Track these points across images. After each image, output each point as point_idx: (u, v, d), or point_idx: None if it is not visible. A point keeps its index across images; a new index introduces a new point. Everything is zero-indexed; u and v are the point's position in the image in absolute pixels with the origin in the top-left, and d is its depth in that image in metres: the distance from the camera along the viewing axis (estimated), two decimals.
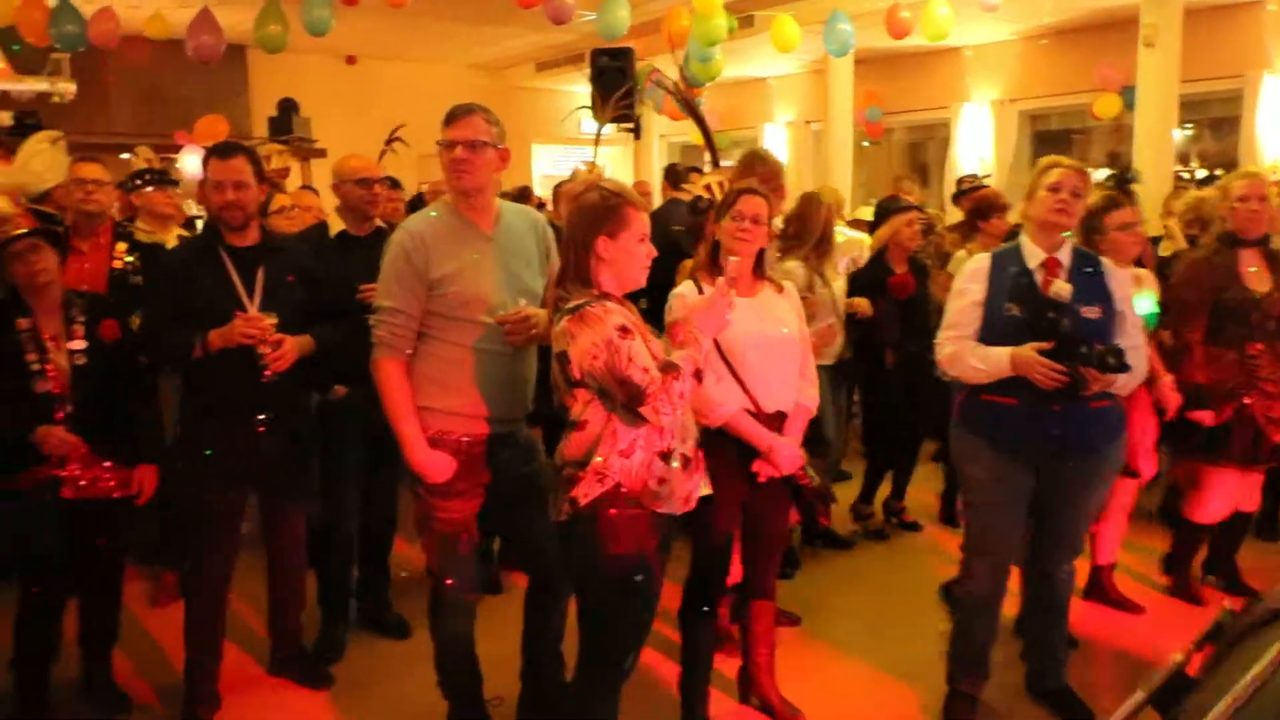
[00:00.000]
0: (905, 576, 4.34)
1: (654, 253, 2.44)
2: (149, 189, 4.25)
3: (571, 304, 2.32)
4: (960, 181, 5.70)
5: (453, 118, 2.70)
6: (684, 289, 2.92)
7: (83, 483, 2.97)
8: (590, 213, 2.37)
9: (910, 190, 5.93)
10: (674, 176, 7.75)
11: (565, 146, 12.11)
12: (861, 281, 4.55)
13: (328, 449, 3.41)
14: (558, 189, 5.97)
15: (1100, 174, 9.67)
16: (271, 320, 2.93)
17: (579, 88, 10.46)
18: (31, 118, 7.56)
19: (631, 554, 2.34)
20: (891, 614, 3.96)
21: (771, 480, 2.87)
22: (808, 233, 4.06)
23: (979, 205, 4.78)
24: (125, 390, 3.09)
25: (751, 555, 3.05)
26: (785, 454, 2.84)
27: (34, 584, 3.03)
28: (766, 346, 2.87)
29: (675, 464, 2.37)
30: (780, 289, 2.99)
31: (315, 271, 3.20)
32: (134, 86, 9.72)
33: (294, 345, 2.99)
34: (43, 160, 4.66)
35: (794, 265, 3.97)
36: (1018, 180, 8.95)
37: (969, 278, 2.96)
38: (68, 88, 8.40)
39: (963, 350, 2.90)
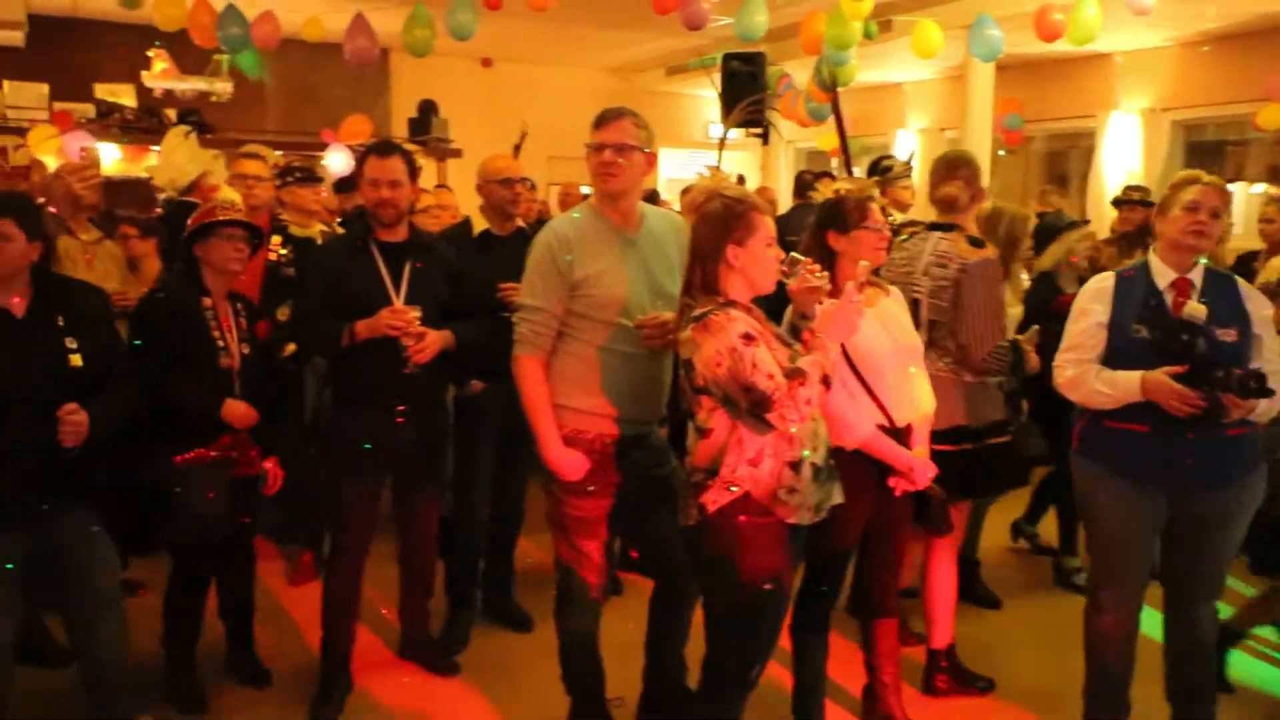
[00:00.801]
0: (1038, 604, 4.17)
1: (782, 256, 2.42)
2: (297, 185, 4.44)
3: (696, 312, 2.32)
4: (1128, 191, 5.39)
5: (602, 121, 2.73)
6: None
7: (243, 465, 3.12)
8: (716, 221, 2.36)
9: (1058, 204, 5.66)
10: (803, 184, 7.66)
11: (693, 151, 12.13)
12: (1031, 303, 4.28)
13: (462, 442, 3.50)
14: (685, 193, 5.97)
15: (1257, 189, 9.11)
16: (416, 313, 3.01)
17: (708, 92, 10.44)
18: (193, 115, 8.04)
19: (760, 563, 2.31)
20: (1022, 640, 3.80)
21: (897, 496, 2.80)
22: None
23: (1150, 221, 4.52)
24: (270, 381, 3.24)
25: (875, 570, 2.97)
26: (925, 471, 2.77)
27: (186, 560, 3.19)
28: (898, 356, 2.80)
29: (806, 473, 2.33)
30: (888, 291, 2.92)
31: (458, 269, 3.28)
32: (285, 87, 10.18)
33: (436, 339, 3.07)
34: (182, 153, 4.94)
35: None
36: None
37: (1092, 297, 2.82)
38: (225, 88, 8.88)
39: (1086, 374, 2.75)
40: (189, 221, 3.13)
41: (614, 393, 2.72)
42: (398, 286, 3.09)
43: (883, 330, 2.78)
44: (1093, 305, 2.81)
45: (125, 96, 8.36)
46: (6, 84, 8.10)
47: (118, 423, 2.68)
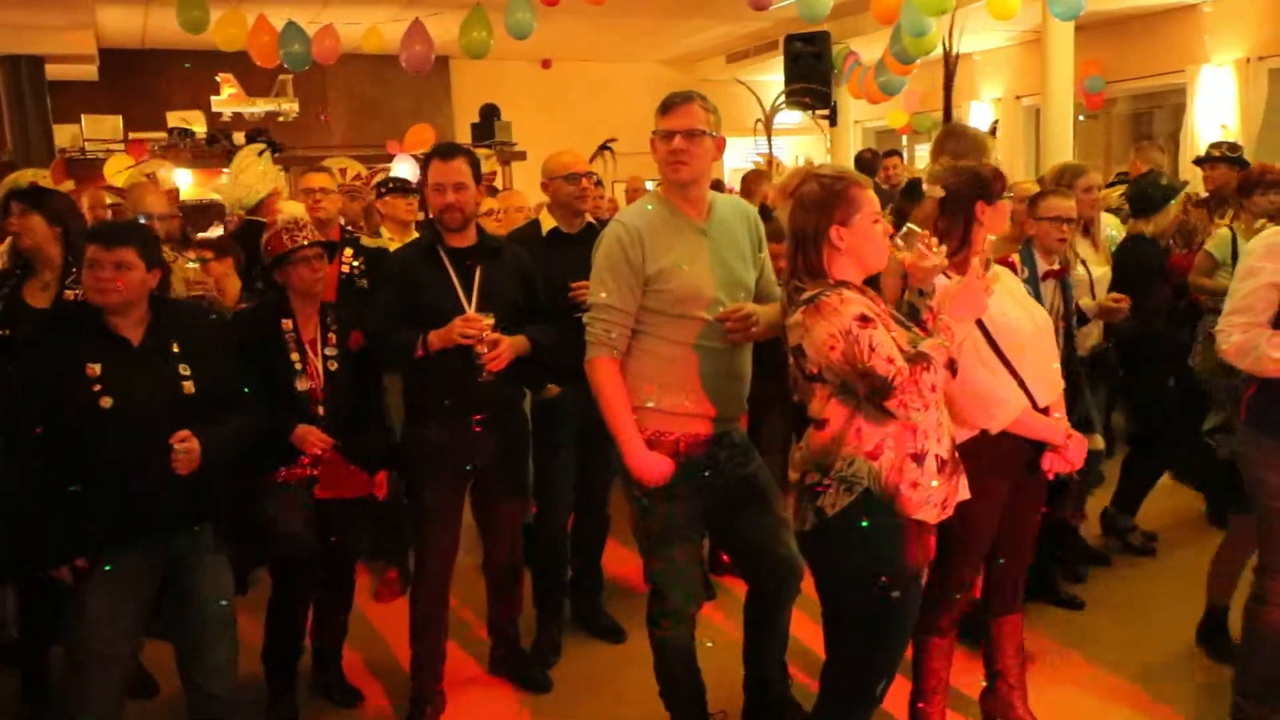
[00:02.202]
0: (1166, 595, 3.89)
1: (890, 230, 2.25)
2: (392, 196, 4.44)
3: (807, 294, 2.16)
4: (1214, 148, 5.07)
5: (669, 106, 2.60)
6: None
7: (331, 482, 3.08)
8: (815, 204, 2.21)
9: (1158, 160, 5.34)
10: (865, 164, 7.41)
11: (758, 139, 11.90)
12: (1126, 264, 4.01)
13: (541, 448, 3.40)
14: (746, 180, 5.83)
15: None
16: (489, 320, 2.92)
17: (771, 76, 10.23)
18: (262, 135, 8.15)
19: (887, 568, 2.15)
20: (1154, 636, 3.54)
21: (1031, 480, 2.60)
22: None
23: (1248, 180, 4.23)
24: (365, 395, 3.19)
25: (1005, 563, 2.76)
26: (1080, 448, 2.56)
27: (285, 577, 3.16)
28: (1037, 334, 2.60)
29: (930, 466, 2.16)
30: (1006, 272, 2.73)
31: (530, 271, 3.18)
32: (348, 101, 10.30)
33: (510, 345, 2.98)
34: (252, 172, 4.97)
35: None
36: (1268, 147, 8.01)
37: (1263, 255, 2.57)
38: (291, 107, 9.01)
39: (1255, 339, 2.52)
40: (264, 248, 3.10)
41: (696, 390, 2.59)
42: (469, 293, 3.01)
43: (1020, 307, 2.60)
44: (1263, 263, 2.57)
45: (196, 123, 8.52)
46: (85, 118, 8.31)
47: (232, 451, 2.67)
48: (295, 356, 3.04)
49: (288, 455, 3.01)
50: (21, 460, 2.48)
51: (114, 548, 2.54)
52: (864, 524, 2.14)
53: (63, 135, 8.27)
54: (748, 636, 2.85)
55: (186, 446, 2.50)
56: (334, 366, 3.09)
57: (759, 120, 7.52)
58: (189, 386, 2.60)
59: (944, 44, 6.33)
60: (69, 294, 3.04)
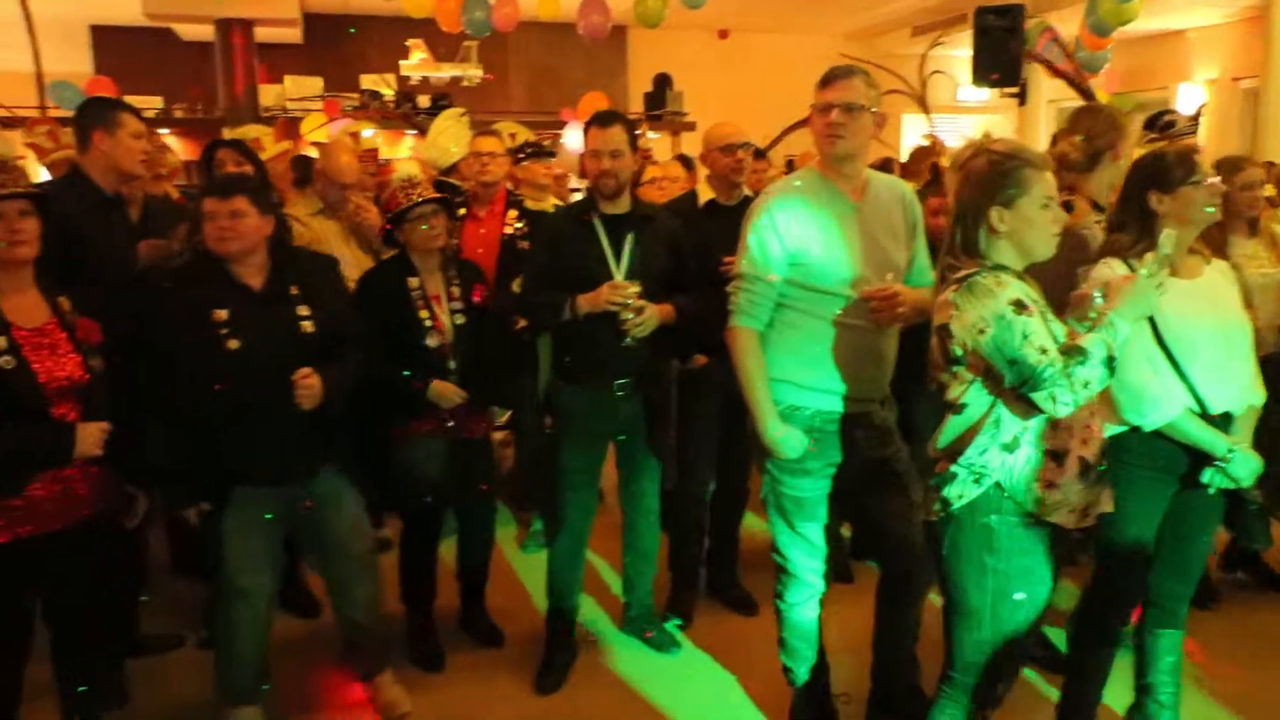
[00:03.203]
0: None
1: (1064, 217, 2.13)
2: (529, 161, 4.53)
3: (961, 274, 2.07)
4: None
5: (830, 80, 2.54)
6: (1112, 268, 2.53)
7: (464, 432, 3.22)
8: (979, 180, 2.10)
9: None
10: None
11: (943, 116, 11.44)
12: None
13: (684, 417, 3.43)
14: (911, 156, 5.63)
15: None
16: (636, 288, 2.96)
17: (958, 51, 9.79)
18: (445, 100, 8.49)
19: (1011, 568, 2.06)
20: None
21: (1199, 497, 2.43)
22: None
23: None
24: (495, 349, 3.29)
25: (1167, 576, 2.59)
26: (1248, 464, 2.37)
27: (418, 523, 3.33)
28: (1221, 337, 2.41)
29: (1071, 467, 2.05)
30: (1209, 260, 2.51)
31: (681, 241, 3.20)
32: (528, 69, 10.57)
33: (655, 313, 3.01)
34: (449, 135, 5.15)
35: None
36: None
37: None
38: (475, 73, 9.32)
39: None
40: (382, 208, 3.22)
41: (835, 367, 2.55)
42: (619, 259, 3.05)
43: (1204, 304, 2.41)
44: None
45: (386, 87, 8.95)
46: (287, 78, 8.89)
47: (349, 386, 2.81)
48: (424, 314, 3.14)
49: (422, 406, 3.14)
50: (155, 402, 2.65)
51: (245, 487, 2.72)
52: (990, 519, 2.05)
53: (267, 95, 8.87)
54: (878, 623, 2.80)
55: (309, 383, 2.64)
56: (460, 321, 3.19)
57: (920, 98, 7.19)
58: (308, 327, 2.74)
59: (1099, 20, 5.81)
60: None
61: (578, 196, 5.04)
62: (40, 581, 2.44)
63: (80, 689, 2.60)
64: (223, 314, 2.63)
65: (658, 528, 3.41)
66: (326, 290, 2.86)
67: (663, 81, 8.96)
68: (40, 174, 4.87)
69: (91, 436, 2.35)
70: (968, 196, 2.12)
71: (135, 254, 3.18)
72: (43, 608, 2.53)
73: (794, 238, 2.53)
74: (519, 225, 4.10)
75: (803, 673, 2.76)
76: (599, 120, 3.05)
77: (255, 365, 2.62)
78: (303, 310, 2.74)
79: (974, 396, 2.09)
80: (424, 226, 3.12)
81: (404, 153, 7.88)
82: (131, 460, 2.54)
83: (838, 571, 3.48)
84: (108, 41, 10.15)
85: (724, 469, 3.60)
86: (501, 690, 3.22)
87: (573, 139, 7.82)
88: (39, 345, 2.35)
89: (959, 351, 2.07)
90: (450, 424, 3.19)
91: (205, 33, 9.09)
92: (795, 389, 2.57)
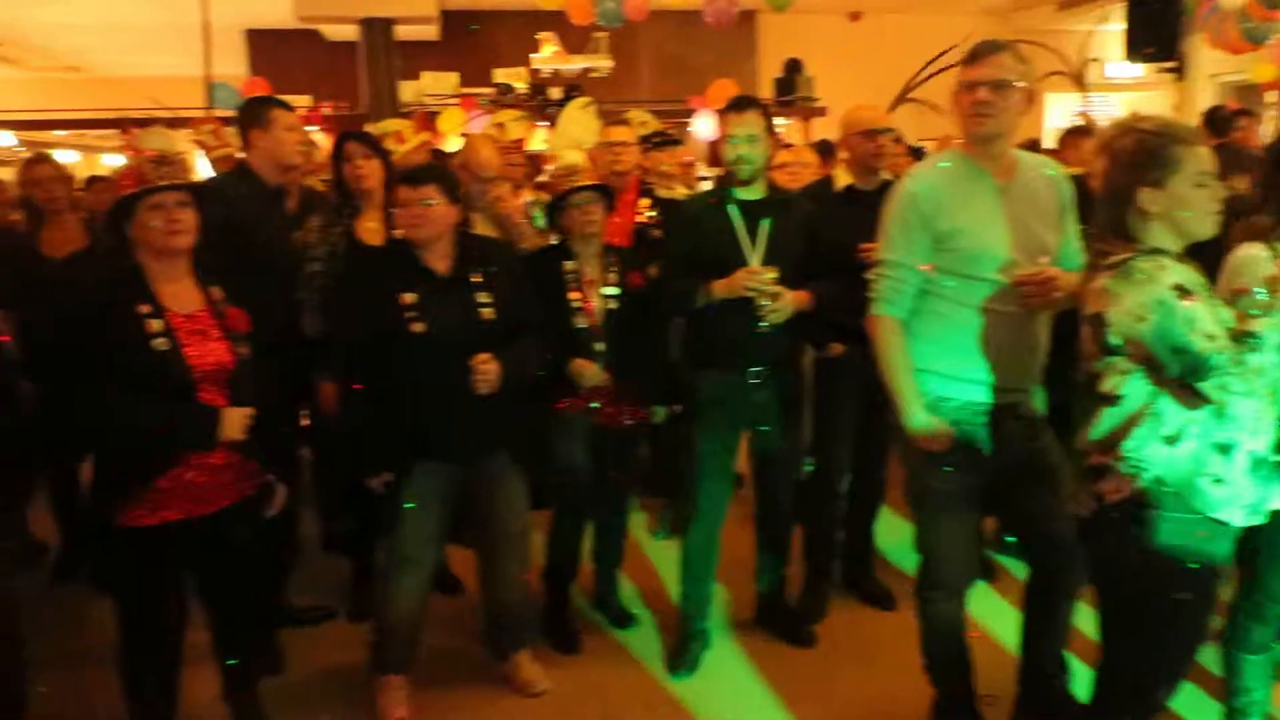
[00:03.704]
0: None
1: (1220, 195, 2.00)
2: (655, 150, 4.53)
3: (1115, 258, 1.97)
4: None
5: (977, 56, 2.44)
6: (1254, 251, 2.37)
7: (606, 416, 3.26)
8: (1126, 159, 2.00)
9: None
10: (1217, 122, 6.53)
11: (1090, 95, 10.87)
12: None
13: (820, 406, 3.37)
14: (1064, 137, 5.34)
15: None
16: (772, 274, 2.93)
17: (1111, 26, 9.28)
18: (575, 91, 8.58)
19: (1173, 567, 1.95)
20: None
21: None
22: None
23: None
24: (644, 337, 3.32)
25: None
26: None
27: (565, 502, 3.39)
28: None
29: (1239, 461, 1.92)
30: None
31: (817, 226, 3.15)
32: (656, 57, 10.59)
33: (791, 299, 2.97)
34: (578, 125, 5.20)
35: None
36: None
37: None
38: (605, 63, 9.40)
39: None
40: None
41: (984, 356, 2.46)
42: (754, 245, 3.02)
43: None
44: None
45: (519, 79, 9.12)
46: (424, 74, 9.17)
47: (526, 372, 2.90)
48: (575, 295, 3.20)
49: (569, 387, 3.20)
50: (351, 378, 2.81)
51: (422, 463, 2.84)
52: (1151, 514, 1.94)
53: (406, 91, 9.17)
54: (1026, 622, 2.69)
55: (486, 369, 2.74)
56: (613, 305, 3.23)
57: (1072, 74, 6.82)
58: (488, 314, 2.84)
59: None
60: (397, 232, 3.38)
61: (706, 185, 5.04)
62: (188, 563, 2.56)
63: (230, 662, 2.76)
64: (410, 297, 2.75)
65: (791, 518, 3.37)
66: (507, 278, 2.95)
67: (793, 67, 8.82)
68: (204, 169, 5.18)
69: (236, 421, 2.44)
70: (1115, 178, 2.02)
71: (292, 243, 3.35)
72: (199, 584, 2.67)
73: (939, 222, 2.45)
74: (651, 214, 4.12)
75: (946, 672, 2.68)
76: (735, 106, 3.03)
77: (438, 348, 2.74)
78: (484, 297, 2.84)
79: (1132, 387, 1.98)
80: (581, 213, 3.18)
81: (538, 144, 8.01)
82: (274, 448, 2.64)
83: (981, 568, 3.36)
84: (262, 44, 10.69)
85: (860, 460, 3.53)
86: (634, 673, 3.25)
87: (701, 127, 7.78)
88: (191, 331, 2.45)
89: (1116, 341, 1.96)
90: (594, 406, 3.23)
91: (349, 33, 9.46)
92: (941, 379, 2.49)
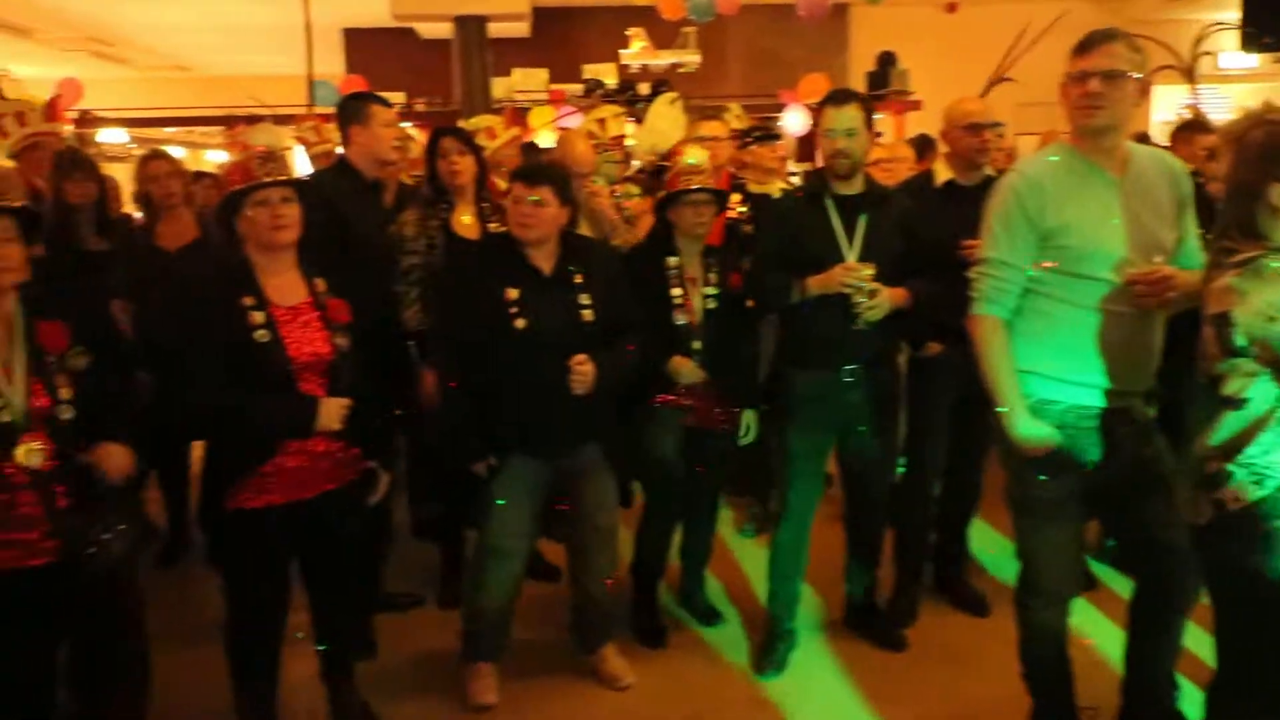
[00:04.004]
0: None
1: None
2: (756, 145, 4.50)
3: (1243, 256, 1.88)
4: None
5: (1088, 46, 2.35)
6: None
7: (699, 415, 3.25)
8: (1256, 153, 1.92)
9: None
10: None
11: (1200, 88, 10.41)
12: None
13: (914, 406, 3.31)
14: (1176, 132, 5.12)
15: None
16: (870, 270, 2.88)
17: (1225, 13, 8.86)
18: (664, 86, 8.59)
19: None
20: None
21: None
22: None
23: None
24: (738, 337, 3.31)
25: None
26: None
27: (656, 497, 3.39)
28: None
29: None
30: None
31: (915, 223, 3.08)
32: (746, 52, 10.53)
33: (888, 296, 2.92)
34: (666, 120, 5.21)
35: None
36: None
37: None
38: (693, 58, 9.38)
39: None
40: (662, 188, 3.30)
41: (1093, 358, 2.37)
42: (851, 241, 2.98)
43: None
44: None
45: (608, 75, 9.16)
46: (515, 71, 9.28)
47: (622, 375, 2.92)
48: (676, 292, 3.19)
49: (666, 383, 3.20)
50: (452, 370, 2.86)
51: (518, 456, 2.88)
52: (1275, 524, 1.86)
53: (498, 87, 9.29)
54: (1131, 634, 2.60)
55: (583, 369, 2.76)
56: (711, 305, 3.21)
57: (1182, 68, 6.51)
58: (588, 315, 2.86)
59: None
60: (492, 226, 3.43)
61: (795, 180, 4.99)
62: (292, 546, 2.65)
63: (322, 647, 2.84)
64: (514, 293, 2.79)
65: (883, 520, 3.32)
66: (608, 280, 2.97)
67: (887, 60, 8.65)
68: (302, 166, 5.33)
69: (333, 411, 2.50)
70: (1244, 172, 1.94)
71: (388, 236, 3.42)
72: (302, 568, 2.74)
73: (1046, 219, 2.37)
74: (742, 209, 4.10)
75: (1044, 680, 2.60)
76: (834, 99, 2.99)
77: (538, 345, 2.77)
78: (584, 298, 2.87)
79: (1258, 391, 1.90)
80: (693, 212, 3.16)
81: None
82: (374, 437, 2.70)
83: (1085, 578, 3.26)
84: (359, 43, 10.96)
85: (955, 462, 3.45)
86: (721, 671, 3.24)
87: (791, 122, 7.71)
88: (293, 322, 2.52)
89: (1242, 342, 1.88)
90: (688, 404, 3.22)
91: (444, 31, 9.63)
92: (1046, 381, 2.41)
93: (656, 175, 4.79)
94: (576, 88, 8.93)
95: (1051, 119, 3.13)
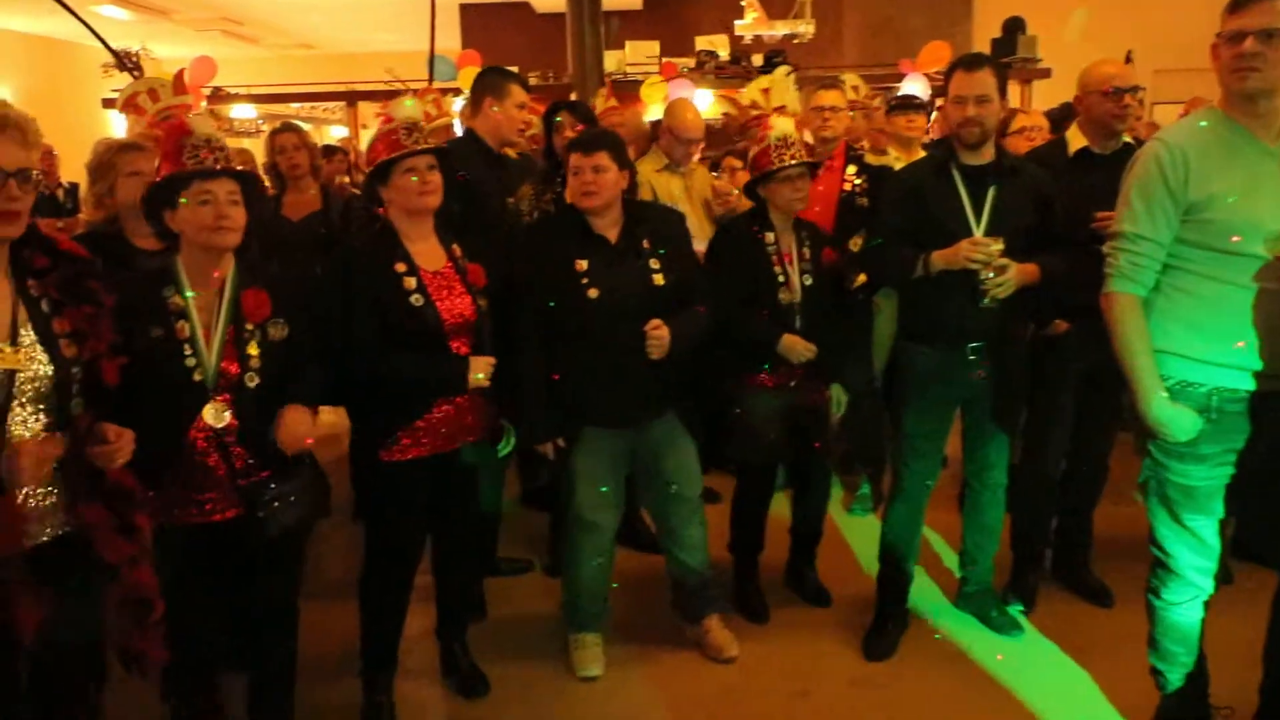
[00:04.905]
0: None
1: None
2: (897, 113, 4.39)
3: None
4: None
5: (1243, 2, 2.20)
6: None
7: (803, 393, 3.18)
8: None
9: None
10: None
11: None
12: None
13: (1039, 386, 3.16)
14: None
15: None
16: (999, 245, 2.75)
17: None
18: (778, 56, 8.44)
19: None
20: None
21: None
22: None
23: None
24: (837, 314, 3.23)
25: None
26: None
27: (751, 476, 3.36)
28: None
29: None
30: None
31: (1048, 194, 2.94)
32: (864, 21, 10.24)
33: (1018, 272, 2.80)
34: (779, 93, 5.10)
35: None
36: None
37: None
38: (808, 29, 9.17)
39: None
40: (751, 163, 3.23)
41: (1240, 339, 2.23)
42: (979, 214, 2.85)
43: None
44: None
45: (721, 47, 9.04)
46: (628, 44, 9.26)
47: (696, 339, 2.89)
48: (778, 269, 3.13)
49: (768, 360, 3.13)
50: (520, 347, 2.83)
51: (594, 428, 2.88)
52: None
53: (610, 60, 9.28)
54: (1271, 632, 2.44)
55: (659, 334, 2.75)
56: (809, 282, 3.14)
57: None
58: (659, 279, 2.83)
59: None
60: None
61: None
62: (431, 496, 2.74)
63: (447, 608, 2.95)
64: (583, 264, 2.79)
65: (1003, 503, 3.20)
66: (676, 245, 2.94)
67: (1014, 26, 8.27)
68: None
69: (481, 368, 2.62)
70: None
71: (508, 208, 3.46)
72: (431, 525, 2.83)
73: (1191, 191, 2.23)
74: (858, 181, 3.99)
75: (1176, 678, 2.48)
76: (965, 64, 2.86)
77: (611, 314, 2.77)
78: (654, 263, 2.85)
79: None
80: (789, 188, 3.09)
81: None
82: (506, 394, 2.77)
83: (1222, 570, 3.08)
84: (474, 18, 11.10)
85: (1080, 445, 3.30)
86: (827, 650, 3.19)
87: (911, 90, 7.45)
88: (439, 286, 2.63)
89: None
90: (793, 384, 3.17)
91: (558, 4, 9.66)
92: (1188, 363, 2.28)
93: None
94: (688, 60, 8.85)
95: (1192, 86, 2.94)
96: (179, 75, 3.95)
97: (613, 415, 2.87)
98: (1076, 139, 3.17)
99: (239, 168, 2.23)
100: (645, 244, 2.86)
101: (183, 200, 2.16)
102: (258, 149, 5.83)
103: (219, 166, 2.18)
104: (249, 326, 2.23)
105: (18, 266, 1.86)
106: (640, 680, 3.05)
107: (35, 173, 1.82)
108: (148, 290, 2.17)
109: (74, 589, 1.89)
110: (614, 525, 3.03)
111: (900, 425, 3.08)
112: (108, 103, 8.50)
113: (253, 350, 2.22)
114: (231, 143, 4.34)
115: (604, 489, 2.93)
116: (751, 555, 3.45)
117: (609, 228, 2.86)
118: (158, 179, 2.22)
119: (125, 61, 6.19)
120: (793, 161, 3.06)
